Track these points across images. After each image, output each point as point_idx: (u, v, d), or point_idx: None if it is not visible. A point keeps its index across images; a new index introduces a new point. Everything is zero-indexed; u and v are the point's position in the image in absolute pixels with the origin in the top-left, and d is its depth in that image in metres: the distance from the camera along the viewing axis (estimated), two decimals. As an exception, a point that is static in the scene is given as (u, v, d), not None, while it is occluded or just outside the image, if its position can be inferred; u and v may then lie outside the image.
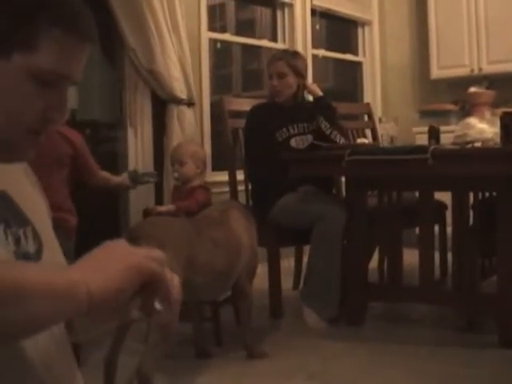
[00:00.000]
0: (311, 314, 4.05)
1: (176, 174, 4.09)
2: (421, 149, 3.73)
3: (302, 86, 4.39)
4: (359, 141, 4.88)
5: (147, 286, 1.05)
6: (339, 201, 4.26)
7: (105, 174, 3.60)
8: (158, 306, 1.08)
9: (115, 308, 1.03)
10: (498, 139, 3.86)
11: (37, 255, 1.14)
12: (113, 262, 1.01)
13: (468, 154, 3.63)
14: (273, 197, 4.21)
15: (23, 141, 1.11)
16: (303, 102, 4.46)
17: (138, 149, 4.78)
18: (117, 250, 1.05)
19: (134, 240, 2.83)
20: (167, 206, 3.96)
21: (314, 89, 4.42)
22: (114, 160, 4.93)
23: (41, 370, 1.10)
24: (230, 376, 3.29)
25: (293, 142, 4.36)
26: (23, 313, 0.90)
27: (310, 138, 4.42)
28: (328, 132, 4.31)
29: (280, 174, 4.15)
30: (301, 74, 4.36)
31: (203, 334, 3.58)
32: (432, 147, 3.68)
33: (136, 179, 3.80)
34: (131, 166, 4.73)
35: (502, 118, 3.66)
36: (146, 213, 3.85)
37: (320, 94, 4.40)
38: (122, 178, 3.76)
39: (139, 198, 4.65)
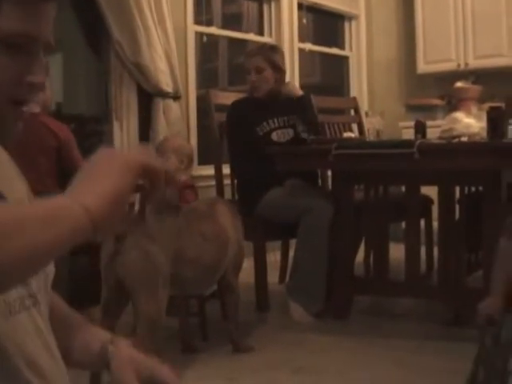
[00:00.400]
0: (297, 308, 4.04)
1: None
2: (407, 143, 3.73)
3: (282, 79, 4.38)
4: (346, 135, 4.88)
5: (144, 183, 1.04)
6: (325, 194, 4.26)
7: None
8: None
9: (122, 213, 1.01)
10: (484, 134, 3.87)
11: None
12: (100, 173, 0.99)
13: (454, 149, 3.63)
14: (259, 191, 4.20)
15: (8, 113, 1.10)
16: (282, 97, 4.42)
17: (124, 142, 4.75)
18: (100, 161, 1.02)
19: (122, 234, 2.82)
20: None
21: (291, 89, 4.39)
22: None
23: (27, 372, 1.08)
24: (216, 370, 3.28)
25: (274, 136, 4.35)
26: (24, 244, 0.87)
27: (290, 131, 4.41)
28: (304, 136, 4.31)
29: (264, 169, 4.14)
30: (279, 68, 4.34)
31: (189, 329, 3.57)
32: (418, 141, 3.68)
33: None
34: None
35: (488, 113, 3.66)
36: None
37: (299, 93, 4.38)
38: None
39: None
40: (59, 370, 1.19)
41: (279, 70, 4.34)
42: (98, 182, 0.97)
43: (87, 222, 0.93)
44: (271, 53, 4.35)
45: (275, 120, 4.37)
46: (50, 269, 1.23)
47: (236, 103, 4.43)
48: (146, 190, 1.05)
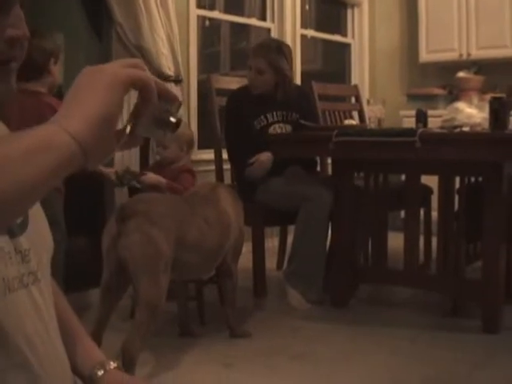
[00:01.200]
0: (295, 295, 4.04)
1: (158, 157, 4.02)
2: (409, 132, 3.72)
3: (283, 82, 4.31)
4: (347, 122, 4.87)
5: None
6: (325, 182, 4.25)
7: None
8: None
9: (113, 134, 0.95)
10: (486, 124, 3.86)
11: (22, 226, 1.12)
12: (85, 93, 0.93)
13: (456, 139, 3.62)
14: (257, 181, 4.19)
15: None
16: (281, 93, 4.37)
17: (123, 125, 4.72)
18: (85, 80, 0.96)
19: (125, 218, 2.81)
20: (158, 177, 3.80)
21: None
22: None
23: (25, 349, 1.08)
24: (213, 355, 3.29)
25: (271, 130, 4.32)
26: (9, 180, 0.84)
27: (288, 127, 4.38)
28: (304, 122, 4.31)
29: None
30: (282, 73, 4.27)
31: (187, 313, 3.57)
32: (420, 130, 3.67)
33: (122, 180, 3.76)
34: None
35: (491, 103, 3.65)
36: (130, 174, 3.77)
37: None
38: (109, 171, 3.71)
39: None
40: (57, 352, 1.18)
41: (282, 72, 4.27)
42: (84, 103, 0.91)
43: (75, 148, 0.88)
44: (276, 55, 4.23)
45: (274, 114, 4.34)
46: (50, 245, 1.22)
47: (234, 95, 4.39)
48: (137, 105, 0.98)
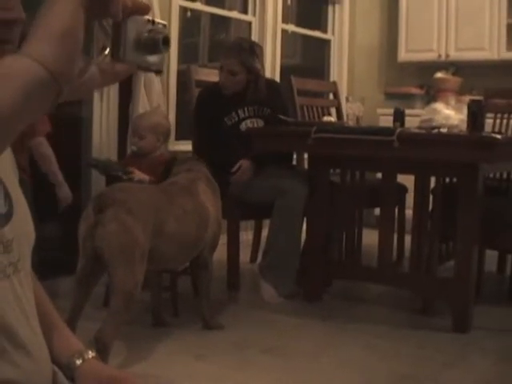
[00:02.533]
0: (268, 289, 4.06)
1: (134, 147, 3.99)
2: (387, 131, 3.75)
3: (255, 82, 4.30)
4: (326, 119, 4.89)
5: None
6: (300, 176, 4.25)
7: (45, 150, 3.50)
8: None
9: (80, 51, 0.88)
10: (463, 126, 3.90)
11: (7, 217, 1.12)
12: (45, 17, 0.86)
13: (434, 139, 3.65)
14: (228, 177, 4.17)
15: None
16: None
17: (104, 113, 4.70)
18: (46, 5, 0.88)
19: (102, 207, 2.81)
20: (142, 175, 3.79)
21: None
22: (79, 123, 4.86)
23: (4, 338, 1.08)
24: (185, 346, 3.30)
25: (243, 126, 4.31)
26: None
27: (260, 122, 4.37)
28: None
29: (232, 158, 4.13)
30: (255, 72, 4.27)
31: (161, 303, 3.57)
32: (398, 130, 3.70)
33: (108, 169, 3.73)
34: (96, 130, 4.64)
35: (469, 106, 3.69)
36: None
37: None
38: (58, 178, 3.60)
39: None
40: (37, 341, 1.19)
41: (254, 73, 4.27)
42: (45, 26, 0.85)
43: (42, 71, 0.83)
44: (248, 56, 4.21)
45: (245, 110, 4.33)
46: (33, 236, 1.22)
47: (203, 94, 4.37)
48: (113, 24, 0.92)
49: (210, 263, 3.44)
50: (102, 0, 0.88)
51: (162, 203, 3.07)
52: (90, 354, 1.31)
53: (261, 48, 4.47)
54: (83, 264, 2.88)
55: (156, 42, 0.94)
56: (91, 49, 0.91)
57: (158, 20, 0.95)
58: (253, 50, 4.29)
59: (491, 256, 4.48)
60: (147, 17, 0.94)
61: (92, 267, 2.88)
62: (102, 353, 2.63)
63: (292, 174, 4.36)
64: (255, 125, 4.35)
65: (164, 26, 0.96)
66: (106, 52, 0.94)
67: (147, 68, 0.97)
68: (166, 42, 0.95)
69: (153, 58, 0.96)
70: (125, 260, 2.79)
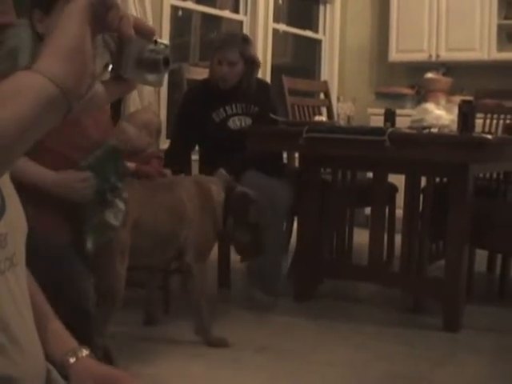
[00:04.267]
0: (257, 290, 4.05)
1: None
2: (378, 131, 3.76)
3: (251, 71, 4.31)
4: (316, 118, 4.89)
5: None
6: (284, 183, 4.21)
7: None
8: None
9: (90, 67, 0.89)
10: (454, 126, 3.92)
11: (0, 212, 1.13)
12: (54, 35, 0.87)
13: (425, 139, 3.67)
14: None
15: None
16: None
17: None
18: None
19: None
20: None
21: None
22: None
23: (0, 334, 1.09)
24: (177, 346, 3.29)
25: (230, 123, 4.30)
26: None
27: (248, 120, 4.35)
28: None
29: (222, 155, 4.12)
30: (252, 61, 4.28)
31: (154, 303, 3.57)
32: (390, 130, 3.71)
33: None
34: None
35: (460, 106, 3.71)
36: None
37: None
38: None
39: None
40: (31, 338, 1.19)
41: (251, 63, 4.28)
42: (54, 44, 0.86)
43: (52, 87, 0.84)
44: (245, 45, 4.22)
45: (233, 106, 4.32)
46: (25, 229, 1.22)
47: (191, 91, 4.35)
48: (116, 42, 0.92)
49: (195, 271, 3.24)
50: (102, 15, 0.89)
51: (144, 199, 3.05)
52: (84, 352, 1.31)
53: (251, 40, 4.52)
54: None
55: (157, 63, 0.95)
56: (95, 65, 0.92)
57: (160, 40, 0.96)
58: (246, 40, 4.34)
59: (481, 256, 4.50)
60: None
61: None
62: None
63: (275, 182, 4.27)
64: (243, 122, 4.32)
65: (166, 46, 0.97)
66: (109, 69, 0.95)
67: (148, 84, 0.99)
68: (167, 62, 0.96)
69: (153, 77, 0.98)
70: (104, 258, 2.78)
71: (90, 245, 2.65)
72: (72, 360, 1.28)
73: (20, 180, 1.90)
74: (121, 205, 2.79)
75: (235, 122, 4.29)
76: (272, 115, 4.27)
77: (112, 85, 0.95)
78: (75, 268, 2.45)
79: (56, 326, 1.35)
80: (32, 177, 2.31)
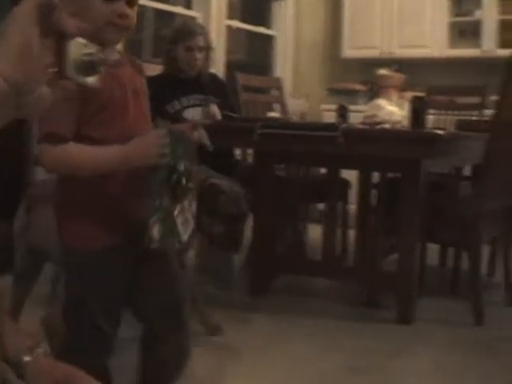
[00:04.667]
0: (210, 284, 4.04)
1: None
2: (331, 126, 3.78)
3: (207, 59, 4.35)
4: (270, 115, 4.91)
5: None
6: (234, 181, 4.20)
7: None
8: None
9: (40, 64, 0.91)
10: (405, 122, 3.96)
11: None
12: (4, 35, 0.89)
13: (378, 135, 3.71)
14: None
15: None
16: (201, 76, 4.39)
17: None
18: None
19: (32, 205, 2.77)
20: None
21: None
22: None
23: None
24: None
25: (186, 114, 4.30)
26: None
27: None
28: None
29: None
30: (211, 48, 4.33)
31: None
32: (343, 126, 3.74)
33: None
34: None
35: (412, 103, 3.75)
36: None
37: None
38: None
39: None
40: None
41: (210, 50, 4.32)
42: (4, 41, 0.88)
43: (5, 87, 0.86)
44: (207, 33, 4.35)
45: (189, 98, 4.32)
46: None
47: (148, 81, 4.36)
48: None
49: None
50: (48, 16, 0.90)
51: None
52: (40, 350, 1.29)
53: None
54: (20, 262, 2.84)
55: (91, 65, 0.99)
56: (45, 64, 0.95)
57: (91, 44, 0.99)
58: (204, 27, 4.51)
59: (433, 250, 4.56)
60: (83, 40, 0.98)
61: (29, 265, 2.85)
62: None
63: (229, 172, 4.27)
64: (198, 114, 4.33)
65: (98, 49, 1.00)
66: (53, 69, 0.98)
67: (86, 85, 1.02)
68: (100, 65, 0.99)
69: (90, 80, 1.01)
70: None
71: (156, 233, 2.04)
72: (27, 359, 1.26)
73: (75, 166, 1.91)
74: (189, 215, 2.38)
75: (191, 114, 4.28)
76: (229, 113, 4.28)
77: (54, 85, 0.97)
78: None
79: (11, 325, 1.33)
80: (96, 157, 2.08)
